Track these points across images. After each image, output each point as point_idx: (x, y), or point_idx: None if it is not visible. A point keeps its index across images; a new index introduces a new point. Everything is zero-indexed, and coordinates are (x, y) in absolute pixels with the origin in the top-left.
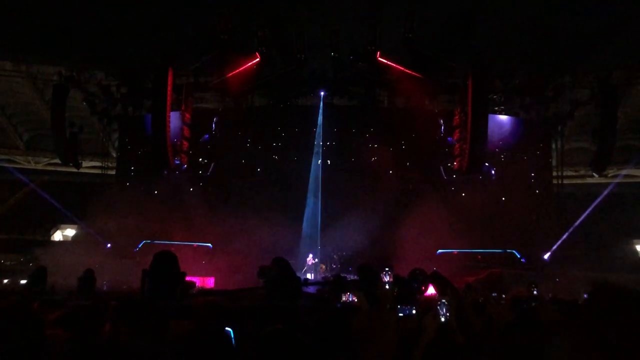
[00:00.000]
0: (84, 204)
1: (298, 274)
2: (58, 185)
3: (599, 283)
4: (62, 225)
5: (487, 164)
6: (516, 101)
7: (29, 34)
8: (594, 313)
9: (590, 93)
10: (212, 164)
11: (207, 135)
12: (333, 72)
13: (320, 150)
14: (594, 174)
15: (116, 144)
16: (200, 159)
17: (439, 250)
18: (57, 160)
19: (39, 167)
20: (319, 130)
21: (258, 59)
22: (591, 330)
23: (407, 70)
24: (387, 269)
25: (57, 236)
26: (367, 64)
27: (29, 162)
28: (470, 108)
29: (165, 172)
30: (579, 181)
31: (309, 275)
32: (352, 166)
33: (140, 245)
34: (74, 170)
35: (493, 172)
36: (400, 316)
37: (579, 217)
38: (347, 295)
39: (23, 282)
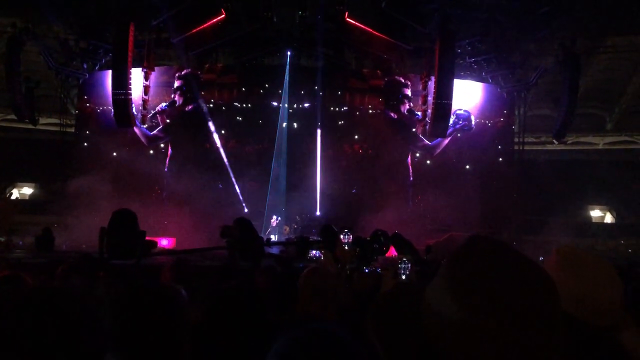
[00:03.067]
0: (42, 162)
1: (262, 235)
2: (14, 142)
3: (474, 235)
4: (19, 184)
5: (467, 122)
6: (482, 67)
7: None
8: (464, 260)
9: (555, 60)
10: (161, 127)
11: (165, 105)
12: (300, 32)
13: (286, 112)
14: (555, 140)
15: (75, 100)
16: (160, 120)
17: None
18: (13, 116)
19: None
20: (285, 91)
21: (223, 16)
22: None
23: (375, 32)
24: (346, 230)
25: (14, 194)
26: (335, 25)
27: None
28: (437, 73)
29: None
30: (539, 147)
31: (272, 237)
32: (318, 129)
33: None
34: (31, 127)
35: (473, 125)
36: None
37: (539, 183)
38: (313, 253)
39: None
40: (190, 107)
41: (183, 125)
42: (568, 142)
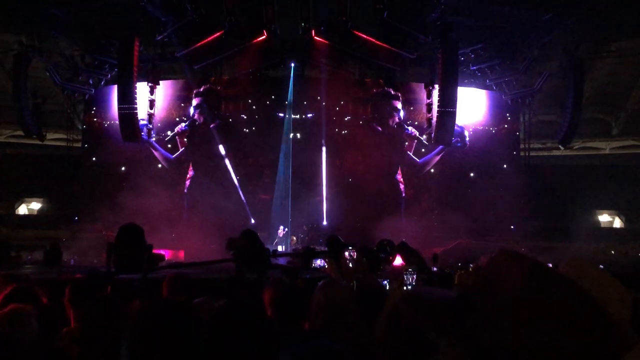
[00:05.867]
0: (50, 177)
1: (269, 246)
2: (22, 158)
3: (501, 250)
4: (27, 199)
5: (461, 138)
6: (486, 74)
7: None
8: (495, 278)
9: (559, 66)
10: (183, 149)
11: (185, 126)
12: (303, 43)
13: (291, 123)
14: (560, 146)
15: (81, 115)
16: (169, 132)
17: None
18: (21, 132)
19: (1, 139)
20: (290, 102)
21: (226, 29)
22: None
23: (377, 42)
24: (350, 247)
25: (22, 210)
26: (338, 35)
27: None
28: (440, 81)
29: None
30: (545, 153)
31: (280, 248)
32: (322, 139)
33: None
34: (38, 142)
35: (467, 141)
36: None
37: (545, 188)
38: (317, 263)
39: None
40: (212, 125)
41: (203, 145)
42: (574, 148)
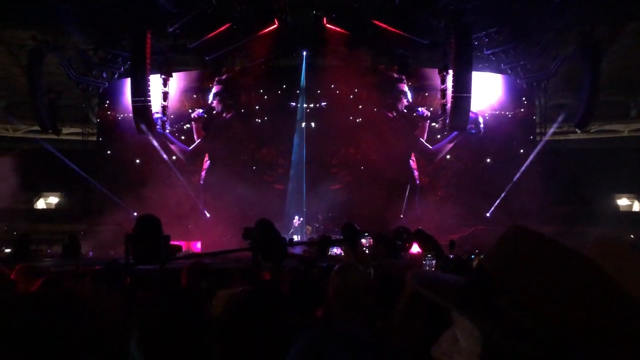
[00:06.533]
0: (66, 171)
1: (285, 236)
2: (39, 153)
3: (514, 227)
4: (45, 193)
5: (475, 124)
6: (500, 58)
7: None
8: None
9: (575, 49)
10: (200, 140)
11: (201, 112)
12: (315, 31)
13: (304, 112)
14: (577, 129)
15: (96, 109)
16: (195, 129)
17: None
18: (37, 128)
19: (18, 134)
20: (302, 91)
21: (237, 19)
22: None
23: (389, 28)
24: (366, 234)
25: (40, 204)
26: (349, 23)
27: (7, 130)
28: (454, 66)
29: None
30: (561, 137)
31: (295, 237)
32: (337, 128)
33: None
34: (55, 137)
35: (482, 128)
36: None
37: (562, 173)
38: (333, 251)
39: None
40: (229, 114)
41: (220, 135)
42: (591, 131)
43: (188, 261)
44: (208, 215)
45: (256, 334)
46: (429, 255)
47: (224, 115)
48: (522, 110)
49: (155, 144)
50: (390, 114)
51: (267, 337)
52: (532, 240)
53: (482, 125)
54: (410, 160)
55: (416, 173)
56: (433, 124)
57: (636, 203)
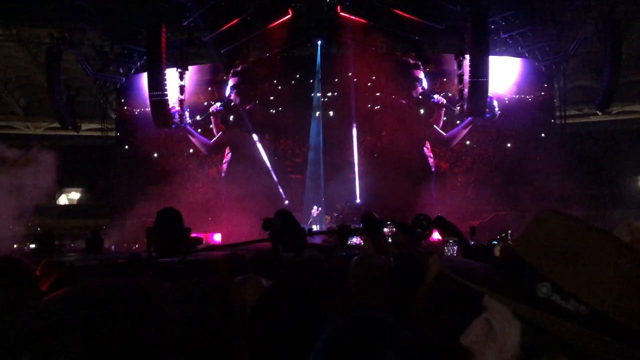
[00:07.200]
0: (87, 167)
1: (303, 226)
2: (59, 149)
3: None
4: (67, 189)
5: (490, 109)
6: (518, 42)
7: None
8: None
9: (594, 29)
10: (220, 133)
11: (220, 106)
12: (329, 20)
13: (320, 101)
14: (598, 111)
15: (114, 105)
16: (214, 122)
17: None
18: (57, 124)
19: (39, 132)
20: (318, 80)
21: (251, 10)
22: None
23: (405, 15)
24: (388, 222)
25: (63, 200)
26: (364, 10)
27: (28, 128)
28: (471, 51)
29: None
30: (582, 120)
31: (314, 227)
32: (352, 117)
33: None
34: (74, 133)
35: (497, 112)
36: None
37: (584, 156)
38: (353, 240)
39: (32, 246)
40: (249, 106)
41: (239, 127)
42: (613, 113)
43: (224, 253)
44: (228, 207)
45: (284, 327)
46: (451, 242)
47: (243, 107)
48: (542, 93)
49: (196, 143)
50: (404, 101)
51: (294, 331)
52: (566, 223)
53: (497, 109)
54: (425, 148)
55: (431, 160)
56: (452, 109)
57: None
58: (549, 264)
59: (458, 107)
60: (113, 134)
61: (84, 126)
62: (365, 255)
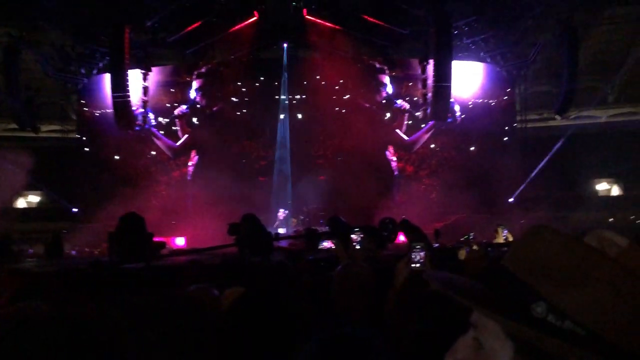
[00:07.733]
0: (47, 169)
1: (270, 229)
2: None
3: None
4: (25, 192)
5: (451, 113)
6: (480, 47)
7: None
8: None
9: (553, 36)
10: (187, 135)
11: (186, 108)
12: (295, 23)
13: (287, 104)
14: (557, 116)
15: (75, 106)
16: (180, 125)
17: None
18: (15, 126)
19: None
20: (284, 83)
21: (217, 12)
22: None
23: (370, 19)
24: (356, 229)
25: (21, 203)
26: (330, 14)
27: None
28: (434, 56)
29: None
30: (542, 124)
31: (281, 230)
32: (320, 119)
33: None
34: (33, 135)
35: (457, 117)
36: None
37: (543, 159)
38: (323, 244)
39: None
40: (215, 107)
41: (206, 130)
42: (571, 117)
43: (187, 258)
44: (193, 210)
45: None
46: (418, 246)
47: (209, 109)
48: (505, 98)
49: (162, 146)
50: (366, 104)
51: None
52: (559, 240)
53: (458, 114)
54: (387, 152)
55: (394, 164)
56: (417, 113)
57: (615, 187)
58: (544, 283)
59: (421, 111)
60: (74, 135)
61: (44, 127)
62: (349, 264)
